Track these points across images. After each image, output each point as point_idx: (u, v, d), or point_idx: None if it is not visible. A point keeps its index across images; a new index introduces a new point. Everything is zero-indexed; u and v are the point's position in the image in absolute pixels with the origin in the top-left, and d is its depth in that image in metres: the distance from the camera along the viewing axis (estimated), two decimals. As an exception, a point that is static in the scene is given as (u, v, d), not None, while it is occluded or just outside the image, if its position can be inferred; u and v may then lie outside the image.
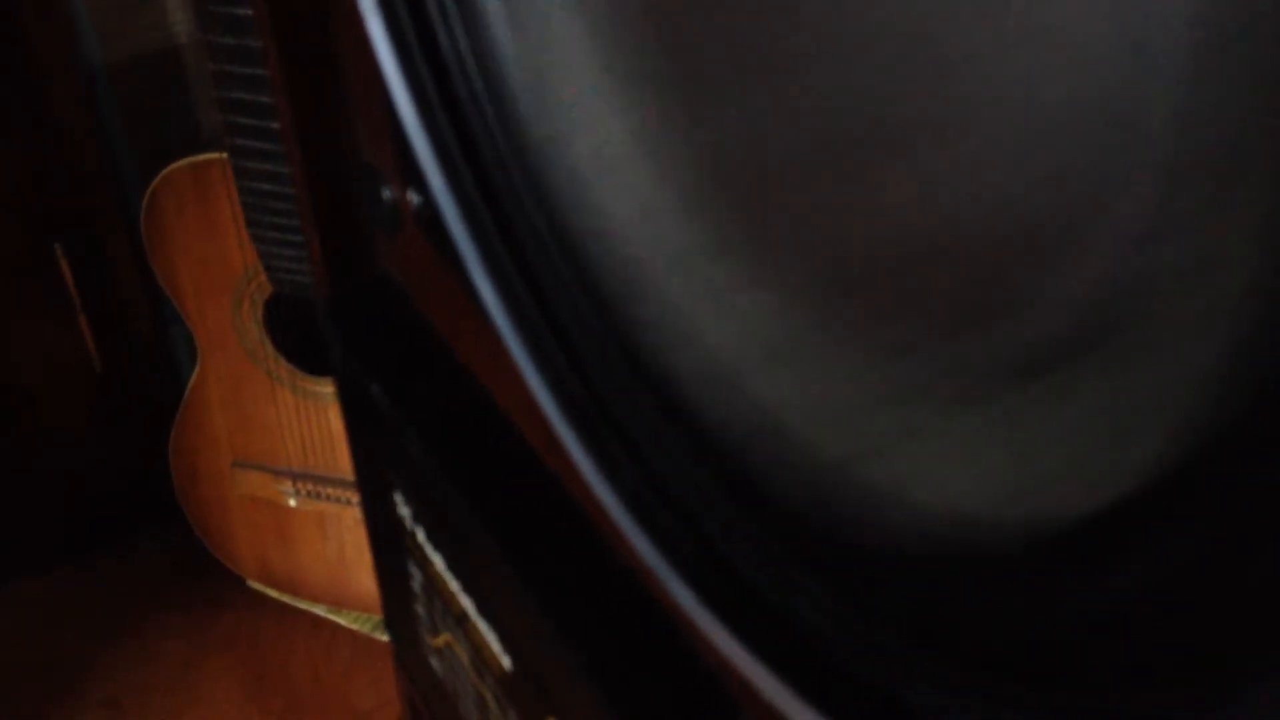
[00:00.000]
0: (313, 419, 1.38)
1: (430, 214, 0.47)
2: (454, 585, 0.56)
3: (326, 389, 1.35)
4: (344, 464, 1.36)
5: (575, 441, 0.44)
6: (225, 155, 1.21)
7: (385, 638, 1.36)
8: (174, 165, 1.28)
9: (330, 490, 1.42)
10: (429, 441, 0.53)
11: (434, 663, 0.63)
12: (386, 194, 0.51)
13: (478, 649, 0.55)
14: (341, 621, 1.53)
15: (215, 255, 1.31)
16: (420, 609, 0.62)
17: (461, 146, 0.45)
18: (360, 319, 0.57)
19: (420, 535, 0.58)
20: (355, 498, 1.37)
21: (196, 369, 1.40)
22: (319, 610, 1.54)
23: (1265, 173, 0.21)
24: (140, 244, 1.35)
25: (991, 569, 0.31)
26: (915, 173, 0.31)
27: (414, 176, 0.47)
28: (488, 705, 0.56)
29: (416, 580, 0.60)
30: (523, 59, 0.43)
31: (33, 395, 1.50)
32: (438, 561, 0.57)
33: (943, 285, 0.33)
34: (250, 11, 1.05)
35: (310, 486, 1.42)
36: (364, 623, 1.52)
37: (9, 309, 1.45)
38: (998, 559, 0.30)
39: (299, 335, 1.35)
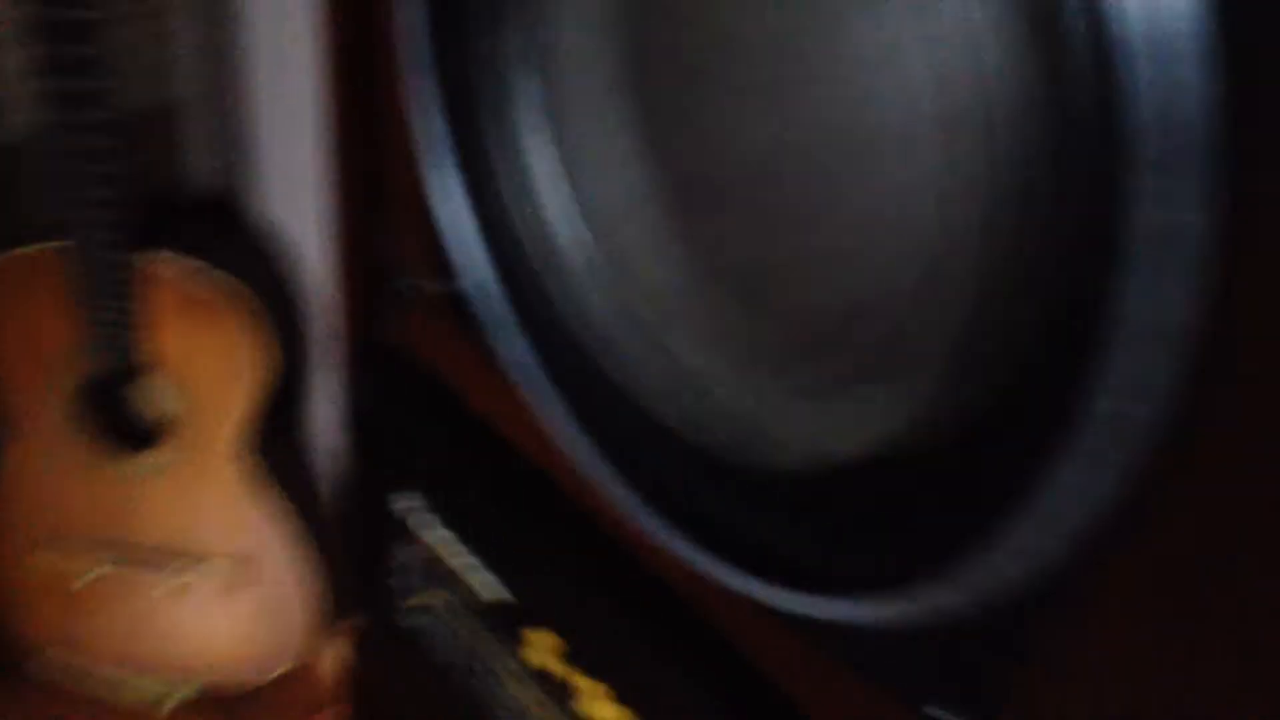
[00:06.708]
0: (121, 493, 1.38)
1: (454, 296, 0.67)
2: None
3: (136, 464, 1.35)
4: (151, 533, 1.37)
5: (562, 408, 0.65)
6: (46, 249, 1.20)
7: (169, 708, 1.40)
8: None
9: (133, 559, 1.40)
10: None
11: (413, 622, 0.81)
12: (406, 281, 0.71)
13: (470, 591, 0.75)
14: (124, 699, 1.48)
15: (30, 340, 1.29)
16: (393, 582, 0.81)
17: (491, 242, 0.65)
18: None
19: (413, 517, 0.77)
20: (161, 565, 1.38)
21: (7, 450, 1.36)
22: (110, 678, 1.49)
23: (966, 261, 0.41)
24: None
25: (804, 475, 0.53)
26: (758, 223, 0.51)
27: (443, 269, 0.67)
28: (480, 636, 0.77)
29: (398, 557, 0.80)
30: None
31: None
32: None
33: (795, 312, 0.52)
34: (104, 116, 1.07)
35: (114, 555, 1.40)
36: (148, 693, 1.48)
37: None
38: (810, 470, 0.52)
39: (112, 414, 1.34)
